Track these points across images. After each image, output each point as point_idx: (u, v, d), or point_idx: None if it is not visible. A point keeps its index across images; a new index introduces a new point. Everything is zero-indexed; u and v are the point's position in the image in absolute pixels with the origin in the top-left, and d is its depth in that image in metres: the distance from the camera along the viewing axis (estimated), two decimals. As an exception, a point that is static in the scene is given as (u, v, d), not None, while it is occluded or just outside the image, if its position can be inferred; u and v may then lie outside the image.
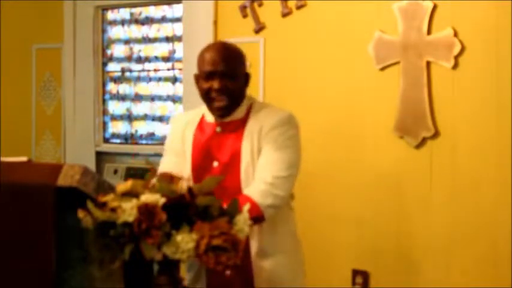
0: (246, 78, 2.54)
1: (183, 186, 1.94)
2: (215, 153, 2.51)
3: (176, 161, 2.58)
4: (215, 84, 2.44)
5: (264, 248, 2.50)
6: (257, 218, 2.32)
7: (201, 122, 2.58)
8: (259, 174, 2.42)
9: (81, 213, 1.86)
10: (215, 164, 2.50)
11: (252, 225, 2.12)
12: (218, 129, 2.52)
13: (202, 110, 2.60)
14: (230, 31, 3.78)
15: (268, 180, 2.38)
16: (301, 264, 2.63)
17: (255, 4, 3.78)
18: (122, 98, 4.57)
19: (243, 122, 2.50)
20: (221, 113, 2.48)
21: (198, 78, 2.54)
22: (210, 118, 2.55)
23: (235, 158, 2.47)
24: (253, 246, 2.49)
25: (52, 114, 4.71)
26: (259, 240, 2.49)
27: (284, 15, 3.69)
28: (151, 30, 4.43)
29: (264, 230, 2.48)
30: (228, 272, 2.22)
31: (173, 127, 2.68)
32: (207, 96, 2.48)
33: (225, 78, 2.44)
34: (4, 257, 1.99)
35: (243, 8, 3.82)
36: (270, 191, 2.38)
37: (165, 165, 2.57)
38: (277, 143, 2.43)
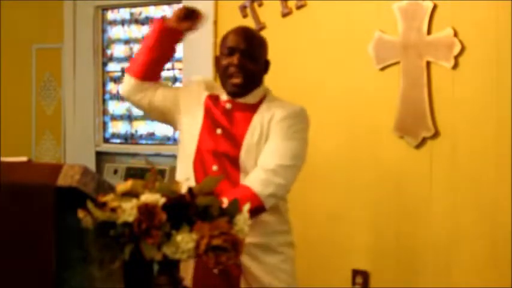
0: (265, 65, 2.58)
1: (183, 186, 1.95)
2: (221, 121, 2.53)
3: (167, 94, 2.62)
4: (235, 59, 2.48)
5: (255, 243, 2.47)
6: (257, 208, 2.33)
7: (215, 97, 2.59)
8: (261, 160, 2.43)
9: (81, 213, 1.86)
10: (218, 131, 2.52)
11: (253, 216, 2.13)
12: (228, 105, 2.54)
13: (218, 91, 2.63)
14: (230, 31, 3.78)
15: (271, 167, 2.39)
16: (293, 263, 2.59)
17: (255, 4, 3.78)
18: (122, 98, 4.56)
19: (255, 107, 2.53)
20: (235, 90, 2.51)
21: (218, 60, 2.58)
22: (223, 97, 2.57)
23: (240, 133, 2.49)
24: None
25: (52, 114, 4.71)
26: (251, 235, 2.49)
27: (284, 15, 3.69)
28: (151, 30, 4.42)
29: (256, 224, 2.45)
30: (215, 271, 2.25)
31: (191, 85, 2.70)
32: (225, 73, 2.51)
33: (245, 57, 2.49)
34: (4, 257, 1.99)
35: (243, 8, 3.82)
36: (271, 179, 2.38)
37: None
38: (285, 133, 2.45)
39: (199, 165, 2.49)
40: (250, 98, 2.54)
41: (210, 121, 2.54)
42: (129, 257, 1.83)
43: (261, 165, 2.41)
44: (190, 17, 2.58)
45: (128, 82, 2.64)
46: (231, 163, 2.47)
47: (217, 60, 2.60)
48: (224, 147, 2.49)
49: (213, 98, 2.58)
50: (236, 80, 2.49)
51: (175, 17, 2.58)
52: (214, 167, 2.48)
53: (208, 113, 2.55)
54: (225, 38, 2.56)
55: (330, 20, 3.56)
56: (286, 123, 2.46)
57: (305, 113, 2.54)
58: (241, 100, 2.53)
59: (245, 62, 2.48)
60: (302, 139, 2.50)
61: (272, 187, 2.38)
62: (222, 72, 2.54)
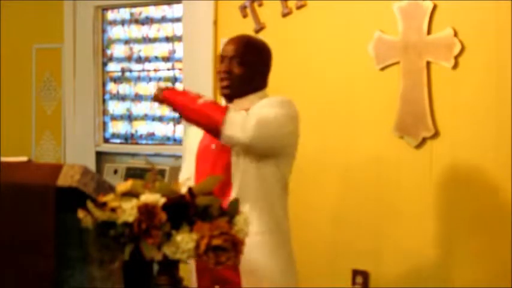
0: (261, 70, 2.61)
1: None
2: None
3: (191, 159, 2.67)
4: (222, 66, 2.56)
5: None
6: (213, 130, 2.41)
7: None
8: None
9: (81, 213, 1.86)
10: (213, 146, 2.55)
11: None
12: None
13: None
14: (230, 31, 3.77)
15: (252, 122, 2.39)
16: (279, 247, 2.55)
17: (255, 4, 3.78)
18: (122, 98, 4.57)
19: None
20: (224, 93, 2.57)
21: None
22: None
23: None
24: None
25: (52, 114, 4.71)
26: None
27: (284, 15, 3.69)
28: (151, 30, 4.42)
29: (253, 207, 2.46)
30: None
31: (188, 128, 2.78)
32: (218, 80, 2.59)
33: (232, 62, 2.54)
34: (4, 257, 1.99)
35: (243, 8, 3.82)
36: (244, 127, 2.38)
37: (186, 167, 2.67)
38: (263, 105, 2.48)
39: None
40: (245, 103, 2.55)
41: (207, 139, 2.58)
42: (129, 257, 1.83)
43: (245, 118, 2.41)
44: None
45: None
46: (225, 175, 2.47)
47: None
48: (217, 160, 2.51)
49: None
50: (223, 84, 2.55)
51: None
52: None
53: (207, 135, 2.58)
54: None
55: (330, 20, 3.56)
56: (266, 107, 2.47)
57: (288, 101, 2.54)
58: (236, 107, 2.54)
59: (232, 66, 2.54)
60: (285, 114, 2.47)
61: (239, 132, 2.38)
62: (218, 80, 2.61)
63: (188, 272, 2.55)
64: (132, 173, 4.25)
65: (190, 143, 2.68)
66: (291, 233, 2.64)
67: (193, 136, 2.67)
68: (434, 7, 3.23)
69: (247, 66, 2.56)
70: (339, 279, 3.51)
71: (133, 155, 4.45)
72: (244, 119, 2.39)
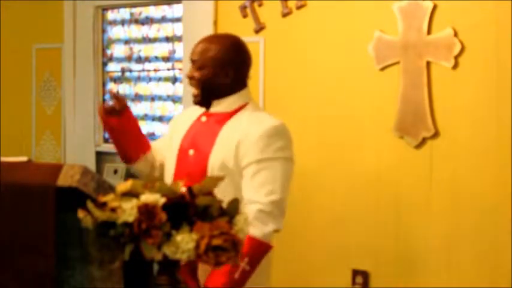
0: (233, 69, 2.47)
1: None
2: (194, 141, 2.50)
3: (166, 141, 2.67)
4: (188, 71, 2.51)
5: None
6: (266, 250, 2.34)
7: (201, 115, 2.58)
8: (250, 196, 2.34)
9: (81, 213, 1.86)
10: (191, 151, 2.49)
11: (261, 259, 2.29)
12: (203, 118, 2.53)
13: None
14: (230, 31, 3.75)
15: (261, 207, 2.32)
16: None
17: (255, 4, 3.78)
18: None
19: (228, 116, 2.48)
20: (194, 100, 2.51)
21: None
22: (203, 111, 2.57)
23: (207, 148, 2.44)
24: None
25: (52, 114, 4.71)
26: None
27: (284, 15, 3.69)
28: (151, 30, 4.43)
29: None
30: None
31: (173, 119, 2.77)
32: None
33: (195, 66, 2.48)
34: (4, 257, 1.99)
35: (243, 8, 3.82)
36: (266, 218, 2.31)
37: (162, 146, 2.68)
38: (265, 157, 2.36)
39: None
40: (223, 107, 2.49)
41: (186, 143, 2.52)
42: (129, 257, 1.83)
43: (252, 204, 2.32)
44: (113, 113, 2.57)
45: (136, 168, 2.72)
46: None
47: None
48: (193, 168, 2.43)
49: (198, 119, 2.57)
50: (192, 89, 2.50)
51: (100, 116, 2.60)
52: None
53: (187, 134, 2.54)
54: None
55: (330, 20, 3.56)
56: (264, 142, 2.36)
57: (283, 128, 2.42)
58: (214, 110, 2.50)
59: (194, 71, 2.47)
60: (283, 159, 2.38)
61: (271, 224, 2.32)
62: None
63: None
64: (132, 173, 4.25)
65: (174, 136, 2.59)
66: (287, 235, 2.61)
67: (178, 130, 2.58)
68: (434, 7, 3.23)
69: (210, 69, 2.45)
70: (339, 279, 3.51)
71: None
72: (258, 213, 2.31)
